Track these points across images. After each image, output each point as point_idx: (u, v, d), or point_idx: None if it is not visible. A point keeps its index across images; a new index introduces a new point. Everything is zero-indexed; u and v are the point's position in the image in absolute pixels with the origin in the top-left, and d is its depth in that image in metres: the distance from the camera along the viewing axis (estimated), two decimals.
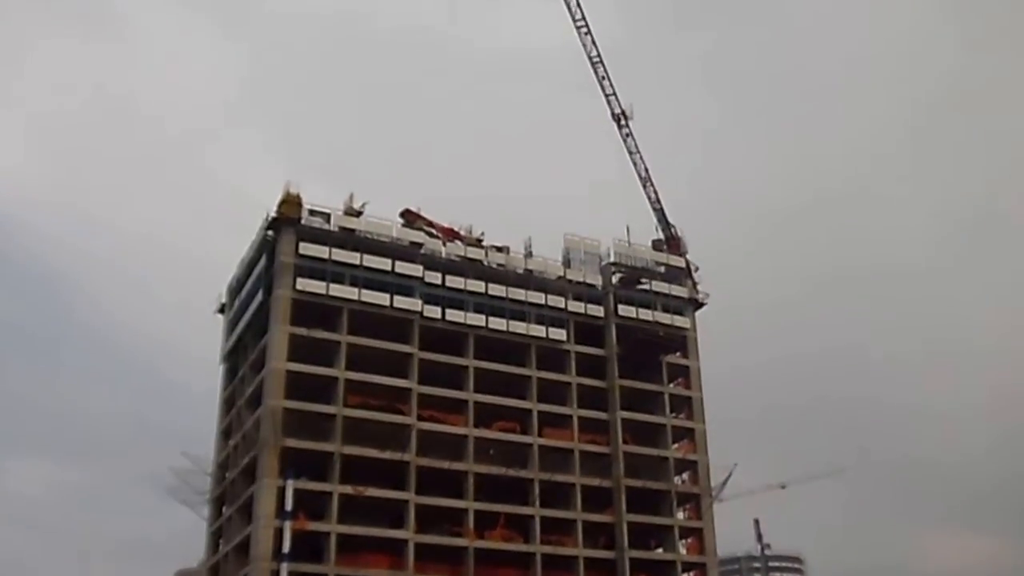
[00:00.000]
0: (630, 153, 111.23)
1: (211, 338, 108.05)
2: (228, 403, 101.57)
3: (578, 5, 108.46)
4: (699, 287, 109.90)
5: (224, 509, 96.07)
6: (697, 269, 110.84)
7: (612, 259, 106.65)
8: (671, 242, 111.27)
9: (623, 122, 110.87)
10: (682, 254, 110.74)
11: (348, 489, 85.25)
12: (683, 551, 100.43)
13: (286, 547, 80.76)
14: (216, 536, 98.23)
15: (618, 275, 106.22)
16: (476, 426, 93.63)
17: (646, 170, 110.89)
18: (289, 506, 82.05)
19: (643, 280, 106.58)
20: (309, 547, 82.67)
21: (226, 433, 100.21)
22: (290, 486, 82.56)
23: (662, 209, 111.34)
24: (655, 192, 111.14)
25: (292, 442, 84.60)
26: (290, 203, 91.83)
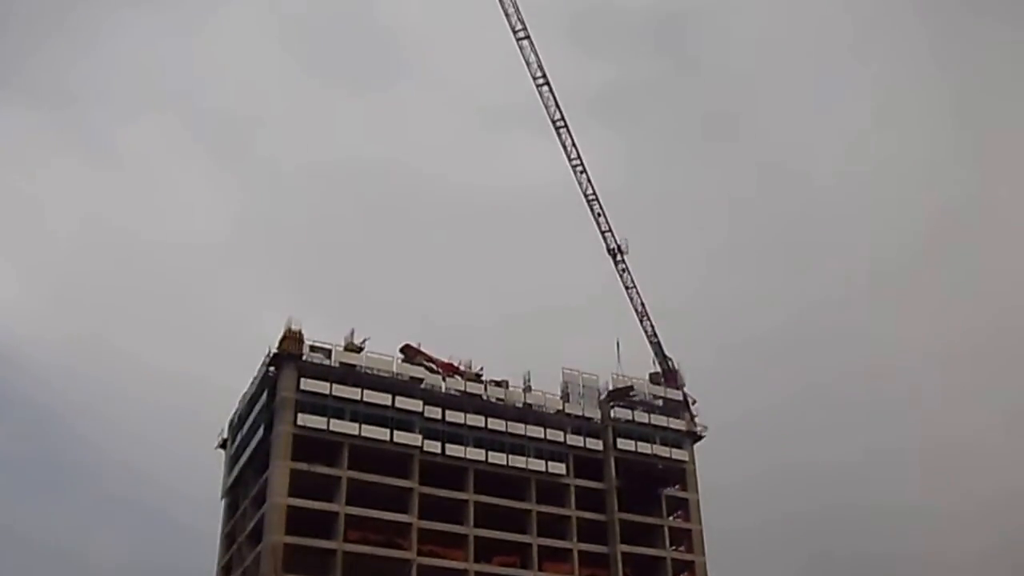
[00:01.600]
0: (626, 288, 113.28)
1: (211, 474, 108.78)
2: (229, 538, 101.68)
3: (573, 145, 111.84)
4: (696, 419, 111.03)
5: None
6: (695, 402, 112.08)
7: (611, 388, 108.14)
8: (668, 375, 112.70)
9: (619, 257, 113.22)
10: (679, 387, 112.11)
11: None
12: None
13: None
14: None
15: (612, 391, 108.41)
16: (476, 560, 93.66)
17: (642, 304, 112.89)
18: None
19: (634, 392, 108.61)
20: None
21: (226, 569, 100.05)
22: None
23: (659, 343, 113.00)
24: (652, 326, 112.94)
25: None
26: (291, 339, 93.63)
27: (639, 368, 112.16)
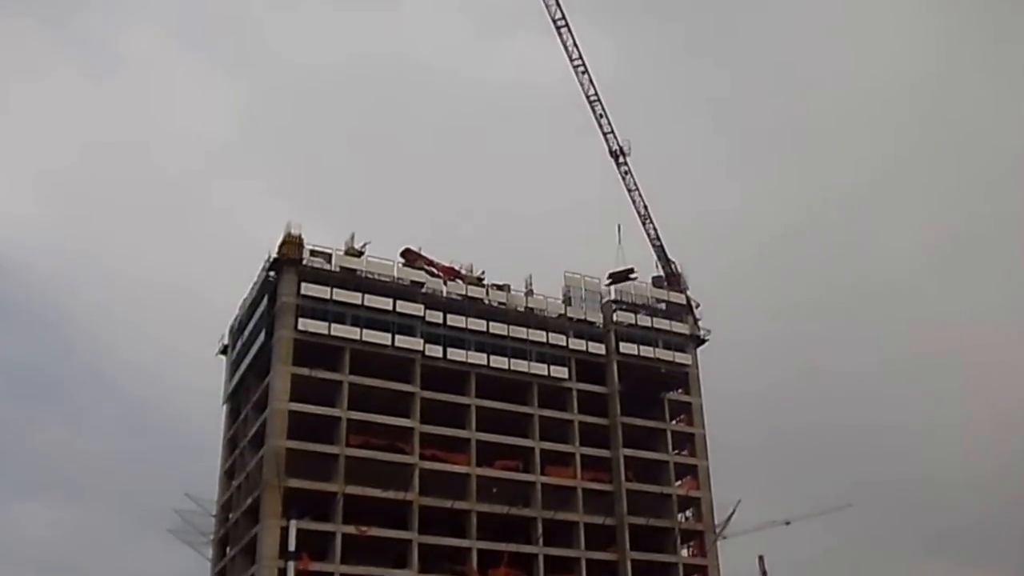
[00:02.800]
0: (628, 190, 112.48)
1: (213, 379, 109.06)
2: (231, 444, 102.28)
3: (575, 45, 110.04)
4: (700, 323, 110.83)
5: (228, 550, 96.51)
6: (698, 305, 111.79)
7: (613, 297, 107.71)
8: (671, 279, 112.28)
9: (621, 159, 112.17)
10: (683, 291, 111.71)
11: (351, 529, 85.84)
12: None
13: None
14: None
15: (612, 273, 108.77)
16: (478, 465, 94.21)
17: (645, 207, 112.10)
18: (292, 546, 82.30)
19: (635, 275, 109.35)
20: None
21: (229, 474, 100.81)
22: (293, 526, 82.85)
23: (662, 246, 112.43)
24: (655, 229, 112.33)
25: (295, 482, 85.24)
26: (291, 244, 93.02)
27: (642, 272, 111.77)
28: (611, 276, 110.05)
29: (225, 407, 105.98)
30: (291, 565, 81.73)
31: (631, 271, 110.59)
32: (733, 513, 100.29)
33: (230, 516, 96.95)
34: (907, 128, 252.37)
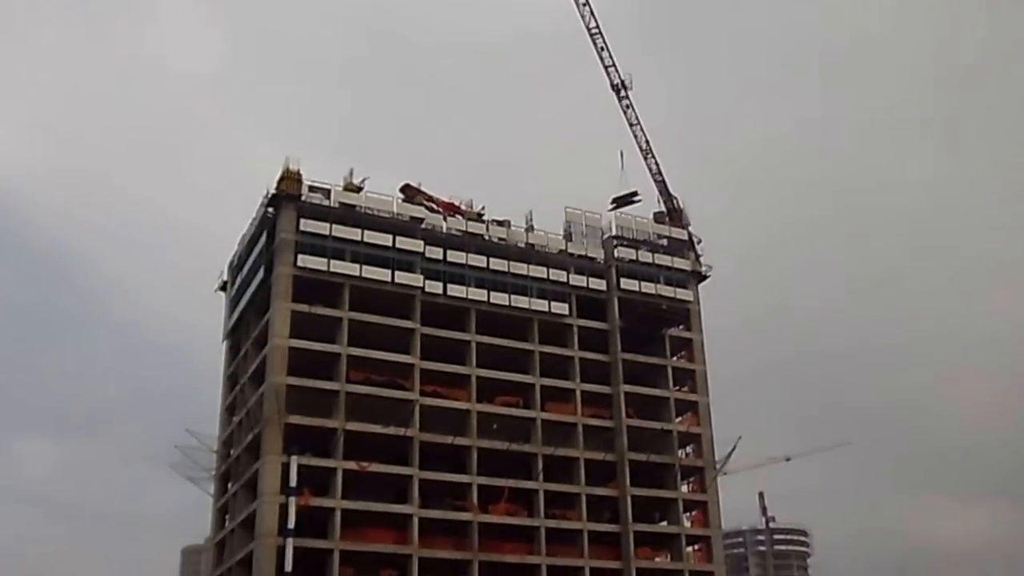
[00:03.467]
0: (630, 124, 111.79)
1: (214, 315, 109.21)
2: (231, 380, 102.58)
3: None
4: (702, 259, 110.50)
5: (229, 485, 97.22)
6: (700, 241, 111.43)
7: (614, 232, 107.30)
8: (673, 214, 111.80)
9: (623, 93, 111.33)
10: (684, 226, 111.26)
11: (352, 465, 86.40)
12: (687, 524, 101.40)
13: (291, 523, 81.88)
14: (222, 512, 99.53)
15: (616, 198, 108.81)
16: (479, 401, 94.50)
17: (647, 141, 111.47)
18: (293, 482, 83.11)
19: (638, 198, 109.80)
20: (314, 523, 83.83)
21: (230, 410, 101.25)
22: (294, 462, 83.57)
23: (663, 181, 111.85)
24: (656, 164, 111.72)
25: (295, 418, 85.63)
26: (289, 179, 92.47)
27: (643, 207, 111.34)
28: (615, 200, 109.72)
29: (225, 343, 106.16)
30: (292, 500, 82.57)
31: (635, 194, 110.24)
32: (734, 449, 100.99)
33: (231, 452, 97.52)
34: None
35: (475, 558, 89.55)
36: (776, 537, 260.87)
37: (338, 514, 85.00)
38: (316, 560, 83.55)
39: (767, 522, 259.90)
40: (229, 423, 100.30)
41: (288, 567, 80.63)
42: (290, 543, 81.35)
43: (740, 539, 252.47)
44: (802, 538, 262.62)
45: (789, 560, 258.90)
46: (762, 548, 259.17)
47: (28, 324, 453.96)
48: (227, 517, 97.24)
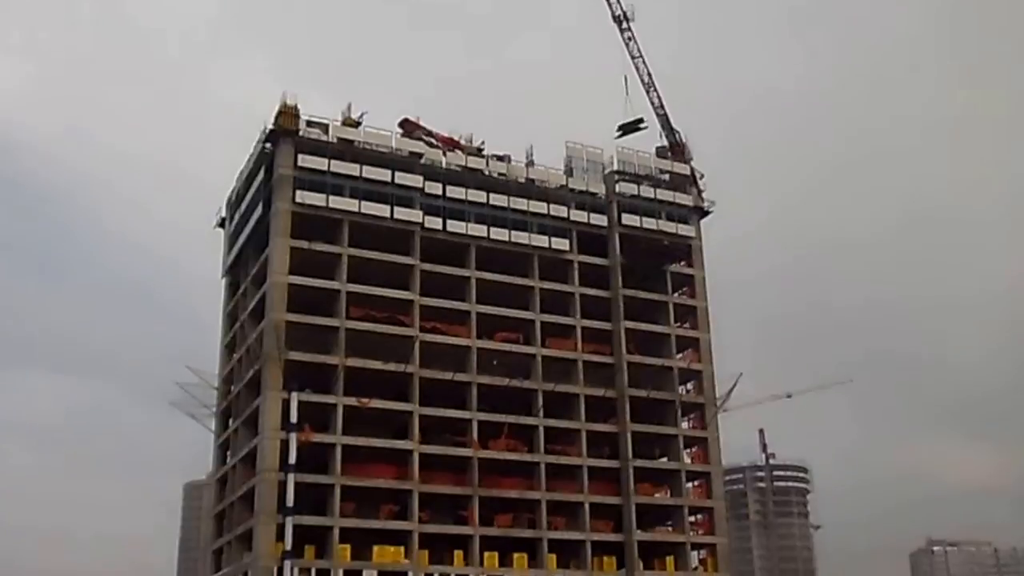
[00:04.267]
0: (632, 57, 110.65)
1: (212, 252, 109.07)
2: (231, 317, 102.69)
3: None
4: (704, 195, 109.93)
5: (231, 422, 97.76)
6: (702, 176, 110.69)
7: (615, 167, 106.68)
8: (675, 149, 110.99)
9: (624, 25, 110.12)
10: (687, 161, 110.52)
11: (352, 401, 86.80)
12: (687, 460, 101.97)
13: (292, 458, 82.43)
14: (223, 449, 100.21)
15: (621, 125, 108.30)
16: (479, 337, 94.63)
17: (649, 75, 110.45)
18: (294, 418, 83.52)
19: (644, 125, 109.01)
20: (315, 458, 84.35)
21: (230, 347, 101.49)
22: (295, 398, 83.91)
23: (666, 115, 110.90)
24: (659, 97, 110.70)
25: (296, 355, 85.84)
26: (287, 115, 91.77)
27: (646, 142, 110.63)
28: (621, 128, 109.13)
29: (224, 280, 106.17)
30: (293, 436, 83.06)
31: (640, 120, 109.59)
32: (734, 386, 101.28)
33: (232, 389, 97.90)
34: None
35: (475, 493, 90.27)
36: (776, 474, 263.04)
37: (339, 450, 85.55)
38: (317, 495, 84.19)
39: (767, 459, 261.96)
40: (229, 360, 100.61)
41: (290, 502, 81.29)
42: (291, 478, 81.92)
43: (740, 475, 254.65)
44: (802, 475, 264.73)
45: (789, 497, 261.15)
46: (762, 484, 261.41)
47: (27, 263, 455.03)
48: (228, 453, 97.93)
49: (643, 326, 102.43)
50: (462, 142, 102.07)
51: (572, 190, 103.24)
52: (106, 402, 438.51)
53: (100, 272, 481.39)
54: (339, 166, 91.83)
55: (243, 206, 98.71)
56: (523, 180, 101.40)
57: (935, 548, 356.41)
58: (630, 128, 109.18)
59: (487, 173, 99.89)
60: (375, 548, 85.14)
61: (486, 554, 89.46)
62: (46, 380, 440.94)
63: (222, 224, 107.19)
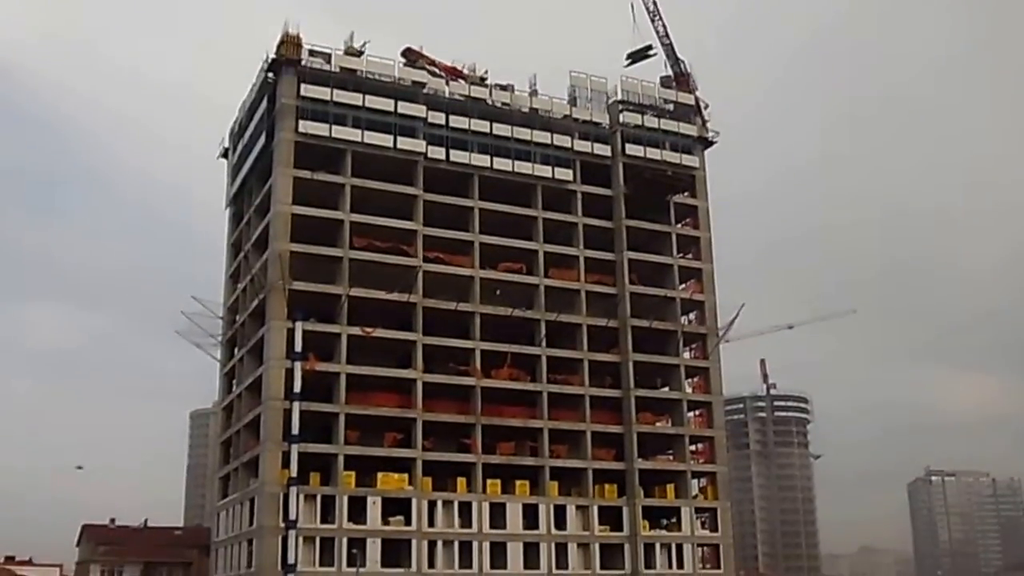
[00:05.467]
0: None
1: (216, 182, 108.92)
2: (235, 247, 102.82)
3: None
4: (708, 125, 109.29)
5: (236, 351, 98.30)
6: (707, 106, 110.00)
7: (619, 97, 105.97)
8: (680, 79, 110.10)
9: None
10: (691, 91, 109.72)
11: (356, 330, 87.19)
12: (689, 390, 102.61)
13: (297, 387, 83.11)
14: (229, 377, 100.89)
15: (631, 53, 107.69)
16: (482, 267, 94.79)
17: (654, 3, 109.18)
18: (299, 347, 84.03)
19: (652, 52, 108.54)
20: (319, 387, 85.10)
21: (234, 277, 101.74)
22: (299, 328, 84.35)
23: (671, 44, 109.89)
24: (664, 26, 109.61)
25: (300, 285, 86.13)
26: (289, 44, 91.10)
27: (649, 72, 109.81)
28: (629, 56, 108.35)
29: (228, 210, 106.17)
30: (298, 365, 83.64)
31: (649, 48, 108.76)
32: (736, 316, 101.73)
33: (237, 318, 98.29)
34: None
35: (478, 422, 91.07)
36: (776, 404, 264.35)
37: (343, 378, 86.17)
38: (322, 423, 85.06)
39: (768, 389, 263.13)
40: (233, 290, 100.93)
41: (295, 430, 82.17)
42: (296, 407, 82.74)
43: (740, 405, 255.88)
44: (802, 405, 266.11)
45: (789, 427, 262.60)
46: (762, 414, 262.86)
47: (31, 191, 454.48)
48: (234, 382, 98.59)
49: (646, 256, 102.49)
50: (465, 72, 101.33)
51: (576, 120, 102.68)
52: (112, 330, 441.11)
53: (100, 199, 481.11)
54: (342, 96, 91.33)
55: (246, 136, 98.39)
56: (527, 110, 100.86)
57: (933, 478, 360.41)
58: (639, 56, 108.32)
59: (490, 103, 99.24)
60: (379, 475, 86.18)
61: (488, 482, 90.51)
62: (53, 310, 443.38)
63: (225, 154, 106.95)
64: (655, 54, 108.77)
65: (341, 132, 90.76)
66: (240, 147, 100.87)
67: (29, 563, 73.79)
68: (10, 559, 76.79)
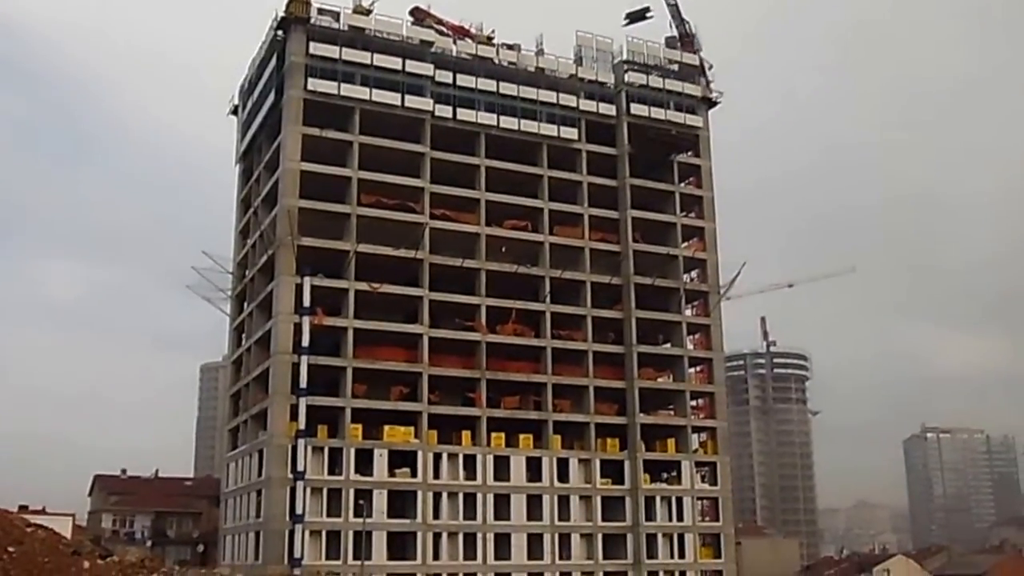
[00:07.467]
0: None
1: (224, 138, 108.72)
2: (244, 203, 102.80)
3: None
4: (712, 85, 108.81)
5: (245, 305, 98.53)
6: (711, 67, 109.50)
7: (625, 57, 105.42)
8: (685, 39, 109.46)
9: None
10: (696, 51, 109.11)
11: (364, 286, 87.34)
12: (690, 347, 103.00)
13: (305, 341, 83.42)
14: (238, 332, 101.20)
15: (629, 13, 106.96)
16: (488, 224, 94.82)
17: None
18: (307, 302, 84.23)
19: (651, 14, 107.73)
20: (327, 341, 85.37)
21: (244, 233, 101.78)
22: (307, 283, 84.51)
23: (676, 4, 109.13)
24: None
25: (308, 241, 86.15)
26: (298, 2, 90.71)
27: (655, 32, 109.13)
28: (628, 16, 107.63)
29: (237, 167, 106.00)
30: (306, 320, 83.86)
31: (647, 10, 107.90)
32: (738, 274, 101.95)
33: (246, 273, 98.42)
34: None
35: (483, 376, 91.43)
36: (776, 361, 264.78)
37: (351, 333, 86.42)
38: (330, 377, 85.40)
39: (768, 346, 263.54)
40: (243, 245, 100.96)
41: (303, 383, 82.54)
42: (304, 360, 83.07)
43: (741, 362, 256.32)
44: (801, 362, 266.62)
45: (788, 383, 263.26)
46: (762, 371, 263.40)
47: (50, 146, 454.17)
48: (243, 336, 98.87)
49: (649, 215, 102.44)
50: (472, 31, 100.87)
51: (581, 79, 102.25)
52: (122, 283, 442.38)
53: (121, 160, 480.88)
54: (350, 54, 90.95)
55: (256, 93, 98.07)
56: (533, 69, 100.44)
57: (928, 435, 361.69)
58: (637, 16, 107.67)
59: (497, 62, 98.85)
60: (385, 428, 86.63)
61: (493, 435, 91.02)
62: (66, 261, 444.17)
63: (235, 111, 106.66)
64: (652, 16, 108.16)
65: (349, 90, 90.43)
66: (249, 104, 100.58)
67: (42, 512, 74.31)
68: (23, 507, 77.43)
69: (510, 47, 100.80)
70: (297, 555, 79.79)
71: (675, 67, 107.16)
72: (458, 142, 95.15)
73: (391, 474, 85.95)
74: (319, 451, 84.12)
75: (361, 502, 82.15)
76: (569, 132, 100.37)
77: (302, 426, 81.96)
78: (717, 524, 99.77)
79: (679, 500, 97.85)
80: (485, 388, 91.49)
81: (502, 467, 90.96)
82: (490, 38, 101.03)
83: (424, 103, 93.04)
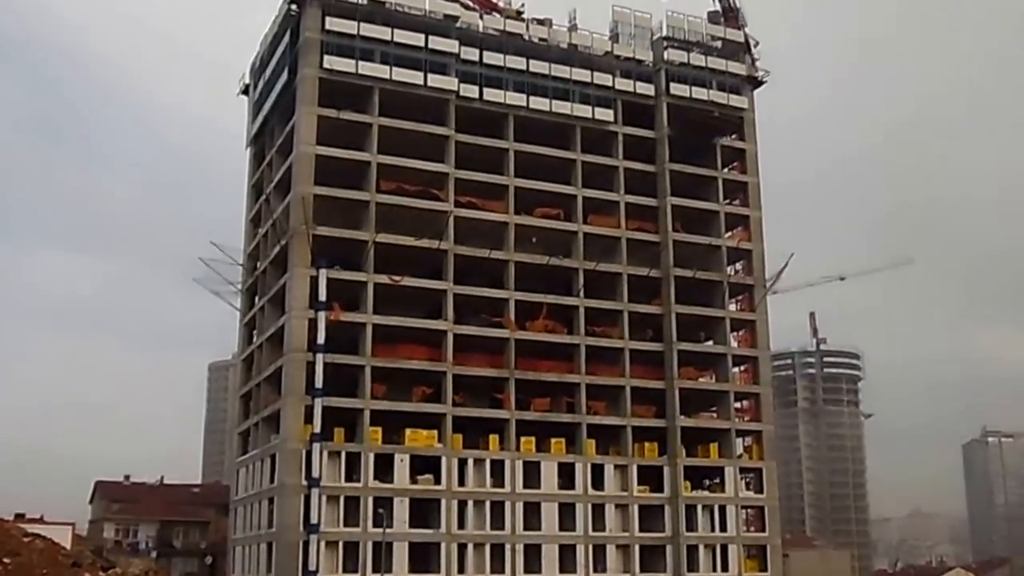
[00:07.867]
0: None
1: (235, 120, 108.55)
2: (256, 189, 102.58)
3: None
4: (758, 64, 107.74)
5: (256, 300, 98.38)
6: (757, 44, 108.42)
7: (664, 33, 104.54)
8: (728, 14, 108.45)
9: None
10: (740, 27, 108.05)
11: (383, 279, 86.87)
12: (734, 344, 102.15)
13: (321, 338, 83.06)
14: (249, 328, 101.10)
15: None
16: (517, 213, 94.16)
17: None
18: (323, 296, 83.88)
19: None
20: (344, 338, 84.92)
21: (255, 221, 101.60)
22: (323, 275, 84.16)
23: None
24: None
25: (324, 230, 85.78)
26: None
27: (697, 6, 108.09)
28: None
29: (248, 151, 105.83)
30: (322, 315, 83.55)
31: None
32: (785, 266, 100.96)
33: (258, 265, 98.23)
34: None
35: (511, 376, 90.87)
36: (826, 360, 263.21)
37: (369, 329, 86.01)
38: (347, 377, 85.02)
39: (817, 344, 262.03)
40: (254, 235, 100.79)
41: (318, 383, 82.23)
42: (320, 359, 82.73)
43: (788, 361, 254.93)
44: (854, 361, 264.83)
45: (839, 383, 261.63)
46: (811, 370, 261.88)
47: (51, 134, 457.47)
48: (254, 332, 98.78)
49: (690, 202, 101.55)
50: (500, 4, 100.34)
51: (617, 57, 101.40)
52: (128, 276, 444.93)
53: (125, 143, 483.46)
54: (369, 29, 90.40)
55: (268, 72, 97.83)
56: (565, 46, 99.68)
57: (989, 439, 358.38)
58: None
59: (527, 38, 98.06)
60: (407, 431, 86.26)
61: (522, 439, 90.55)
62: (67, 254, 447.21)
63: (246, 91, 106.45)
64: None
65: (368, 68, 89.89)
66: (262, 84, 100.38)
67: (40, 521, 74.33)
68: (20, 516, 77.49)
69: (541, 22, 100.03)
70: (312, 568, 79.50)
71: (718, 44, 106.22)
72: (485, 124, 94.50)
73: (413, 481, 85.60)
74: (335, 456, 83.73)
75: (381, 511, 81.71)
76: (604, 114, 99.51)
77: (317, 429, 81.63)
78: (763, 535, 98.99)
79: (722, 509, 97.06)
80: (514, 389, 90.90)
81: (532, 473, 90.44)
82: (519, 12, 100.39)
83: (448, 82, 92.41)
